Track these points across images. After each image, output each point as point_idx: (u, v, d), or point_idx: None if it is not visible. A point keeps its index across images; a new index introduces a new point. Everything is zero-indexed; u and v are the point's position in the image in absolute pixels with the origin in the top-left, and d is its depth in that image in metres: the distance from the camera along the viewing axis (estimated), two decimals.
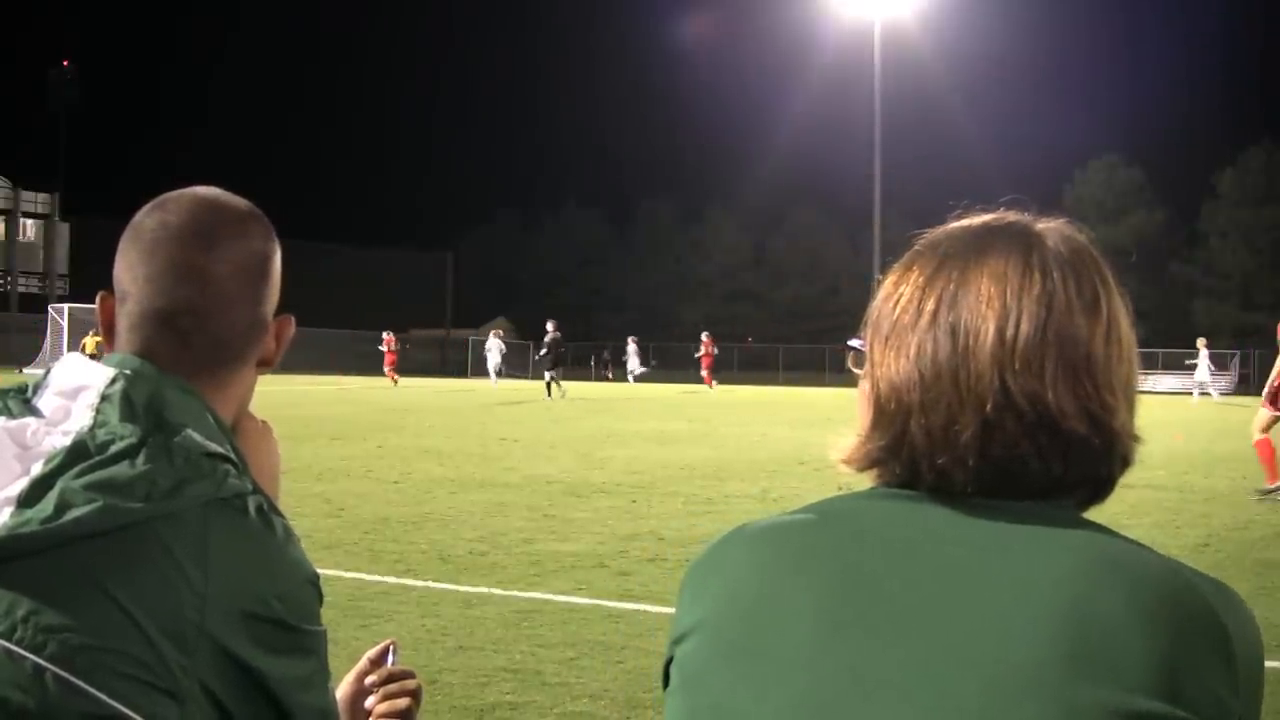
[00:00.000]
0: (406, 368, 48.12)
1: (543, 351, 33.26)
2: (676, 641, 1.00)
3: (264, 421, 1.42)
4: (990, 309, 0.98)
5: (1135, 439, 1.00)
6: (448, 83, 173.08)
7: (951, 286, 1.00)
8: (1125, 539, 0.95)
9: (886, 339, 1.02)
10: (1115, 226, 70.68)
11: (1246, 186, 68.76)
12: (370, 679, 1.45)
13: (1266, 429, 10.89)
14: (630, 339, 46.27)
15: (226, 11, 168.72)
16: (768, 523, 1.02)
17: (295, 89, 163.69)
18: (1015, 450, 0.95)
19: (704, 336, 39.06)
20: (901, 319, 1.01)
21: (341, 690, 1.44)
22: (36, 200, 65.48)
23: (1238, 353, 60.97)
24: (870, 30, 44.62)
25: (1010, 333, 0.96)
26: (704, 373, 38.32)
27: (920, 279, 1.02)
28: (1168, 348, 62.60)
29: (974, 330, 0.97)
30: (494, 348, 38.01)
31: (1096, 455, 0.97)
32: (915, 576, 0.93)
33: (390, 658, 1.49)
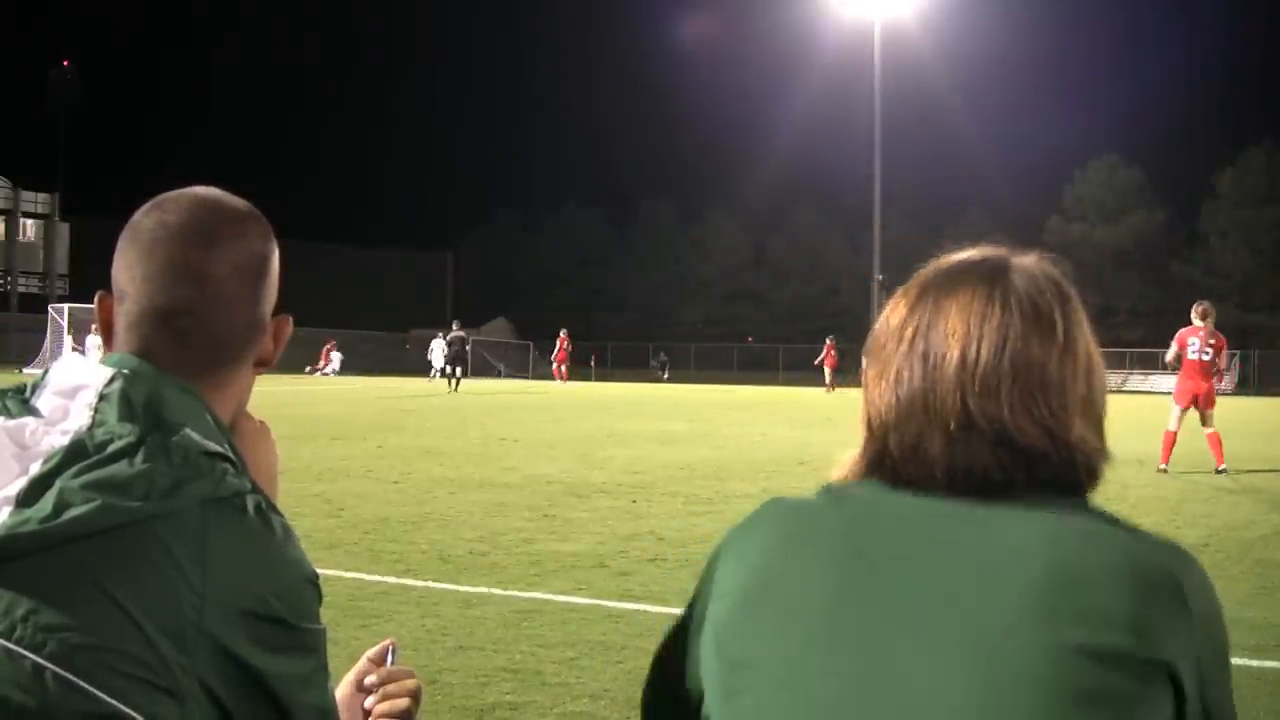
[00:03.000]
0: (407, 368, 48.19)
1: (445, 351, 35.33)
2: (713, 599, 1.13)
3: (261, 422, 1.42)
4: (954, 337, 1.10)
5: (1098, 451, 1.12)
6: (447, 83, 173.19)
7: (927, 316, 1.12)
8: (1098, 512, 1.08)
9: (874, 363, 1.15)
10: (1115, 226, 70.73)
11: (1246, 186, 68.74)
12: (370, 679, 1.45)
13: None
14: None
15: (226, 11, 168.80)
16: (795, 501, 1.17)
17: (295, 89, 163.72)
18: (979, 462, 1.07)
19: (561, 334, 43.37)
20: (887, 345, 1.14)
21: (341, 690, 1.43)
22: (36, 200, 65.52)
23: (1237, 353, 60.93)
24: (870, 30, 44.63)
25: (971, 358, 1.08)
26: (561, 367, 42.71)
27: (904, 309, 1.15)
28: (1167, 348, 62.63)
29: (941, 355, 1.10)
30: (437, 348, 40.06)
31: (1056, 467, 1.08)
32: (912, 544, 1.06)
33: (390, 658, 1.49)
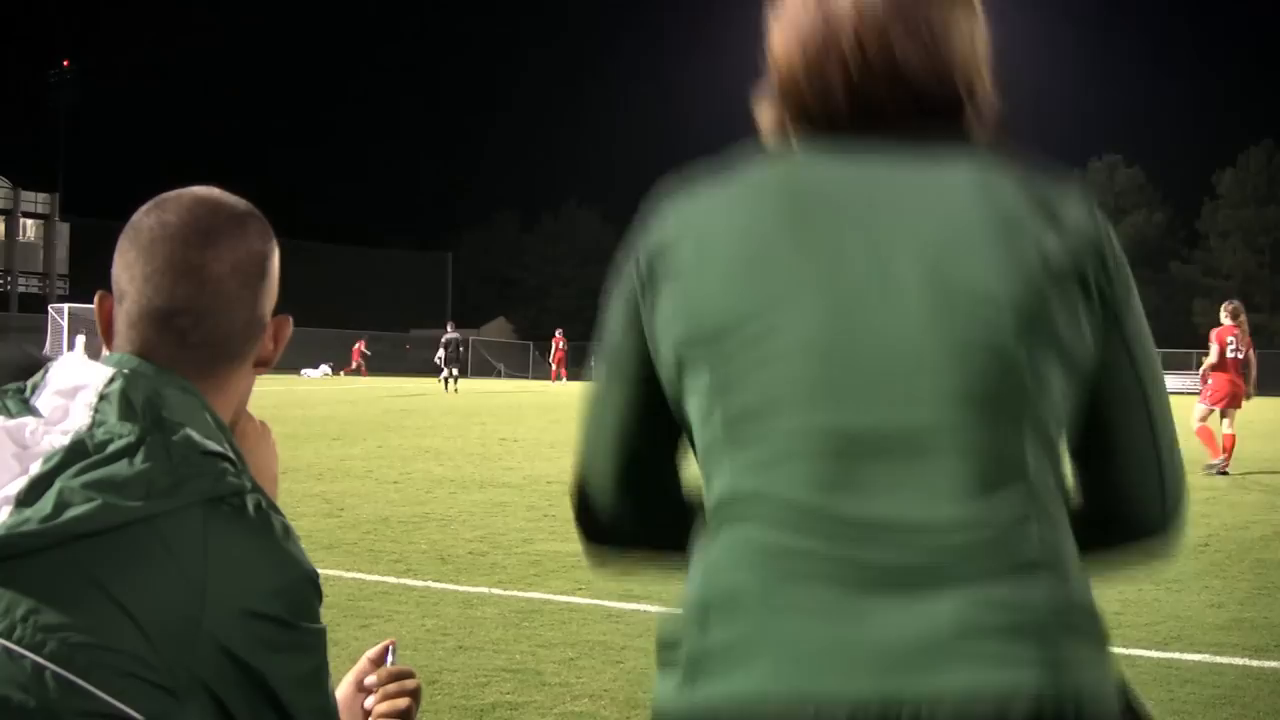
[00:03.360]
0: (406, 368, 48.18)
1: (440, 352, 35.54)
2: (665, 280, 1.18)
3: (262, 422, 1.42)
4: None
5: (988, 96, 1.24)
6: (448, 83, 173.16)
7: None
8: (995, 157, 1.20)
9: (776, 20, 1.26)
10: (1115, 226, 70.67)
11: (1246, 186, 68.76)
12: (370, 679, 1.45)
13: (1205, 419, 12.28)
14: None
15: (227, 11, 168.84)
16: (724, 174, 1.22)
17: (296, 89, 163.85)
18: (879, 103, 1.18)
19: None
20: (792, 5, 1.24)
21: (341, 690, 1.44)
22: (36, 200, 65.47)
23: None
24: None
25: (862, 6, 1.19)
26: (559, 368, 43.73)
27: None
28: (1168, 348, 62.62)
29: (837, 8, 1.20)
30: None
31: (949, 106, 1.20)
32: (852, 191, 1.15)
33: (389, 657, 1.49)
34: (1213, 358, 12.33)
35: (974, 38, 1.24)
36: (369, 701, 1.44)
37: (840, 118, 1.19)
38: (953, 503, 1.06)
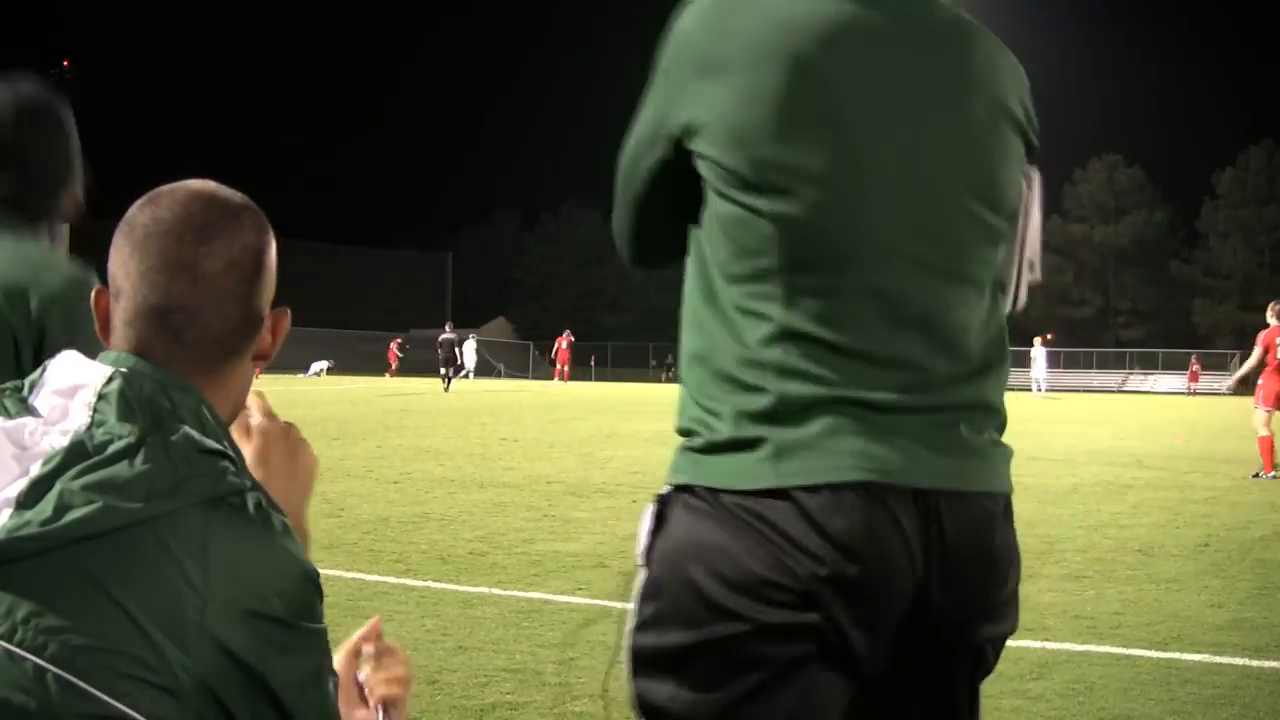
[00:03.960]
0: (406, 368, 48.12)
1: (439, 352, 35.87)
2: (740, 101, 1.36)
3: (288, 424, 1.42)
4: None
5: None
6: (448, 83, 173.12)
7: None
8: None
9: None
10: (1115, 226, 70.66)
11: (1246, 186, 68.71)
12: (368, 649, 1.46)
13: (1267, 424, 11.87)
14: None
15: (226, 11, 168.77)
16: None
17: (295, 88, 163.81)
18: None
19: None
20: None
21: (337, 662, 1.44)
22: None
23: (1237, 353, 60.78)
24: None
25: None
26: (563, 368, 44.38)
27: None
28: (1168, 348, 62.56)
29: None
30: (469, 349, 42.35)
31: None
32: (899, 31, 1.40)
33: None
34: (1254, 359, 12.14)
35: None
36: (363, 675, 1.44)
37: None
38: None
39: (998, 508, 1.42)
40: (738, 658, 1.30)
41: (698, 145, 1.38)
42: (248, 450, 1.35)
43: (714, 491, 1.33)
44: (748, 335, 1.35)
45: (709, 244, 1.41)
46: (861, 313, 1.34)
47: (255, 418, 1.39)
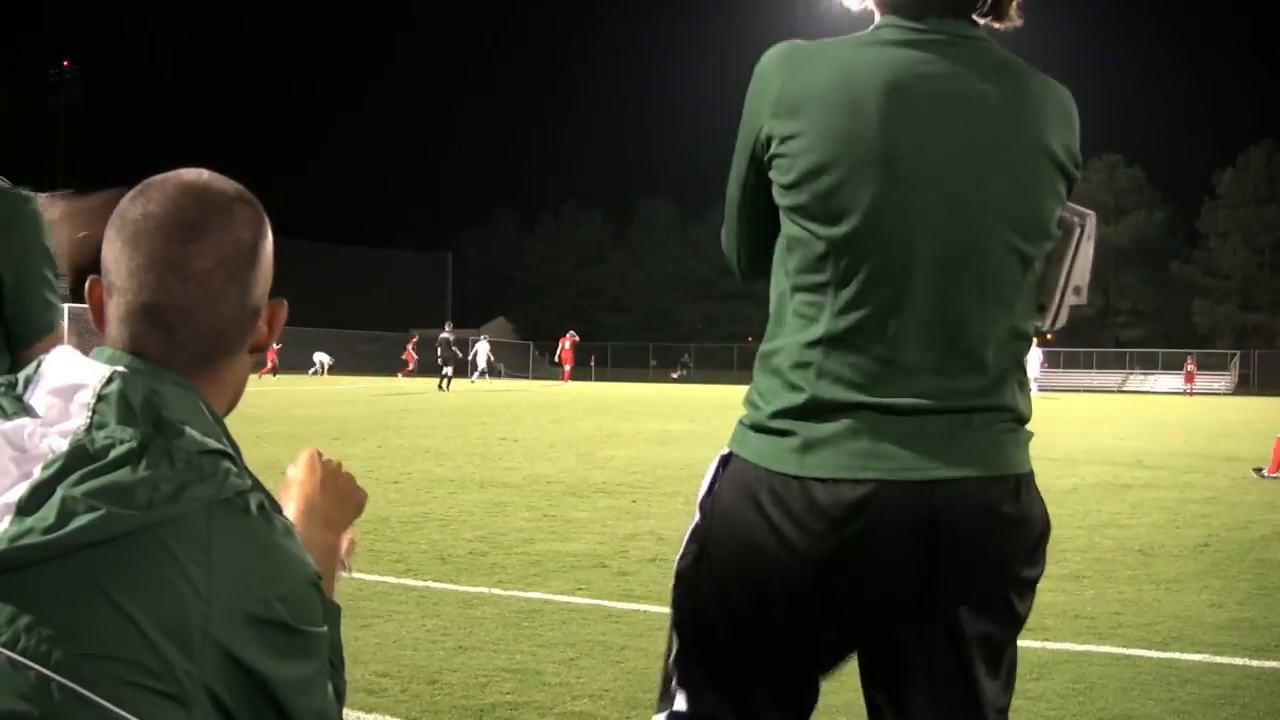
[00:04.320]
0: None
1: (438, 351, 35.92)
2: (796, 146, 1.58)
3: (332, 464, 1.50)
4: None
5: None
6: (448, 83, 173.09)
7: None
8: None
9: None
10: (1115, 226, 70.61)
11: (1246, 186, 68.69)
12: (290, 470, 1.50)
13: None
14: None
15: (226, 11, 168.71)
16: (843, 51, 1.62)
17: (295, 88, 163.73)
18: None
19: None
20: None
21: (294, 509, 1.48)
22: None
23: (1237, 353, 60.88)
24: None
25: None
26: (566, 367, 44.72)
27: None
28: (1168, 348, 62.55)
29: None
30: (481, 350, 42.43)
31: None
32: (950, 76, 1.59)
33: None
34: None
35: None
36: (291, 473, 1.50)
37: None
38: None
39: (1007, 486, 1.61)
40: (751, 588, 1.65)
41: (772, 175, 1.62)
42: (292, 503, 1.44)
43: (752, 464, 1.62)
44: (801, 336, 1.60)
45: (784, 255, 1.64)
46: (895, 326, 1.56)
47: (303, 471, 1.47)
